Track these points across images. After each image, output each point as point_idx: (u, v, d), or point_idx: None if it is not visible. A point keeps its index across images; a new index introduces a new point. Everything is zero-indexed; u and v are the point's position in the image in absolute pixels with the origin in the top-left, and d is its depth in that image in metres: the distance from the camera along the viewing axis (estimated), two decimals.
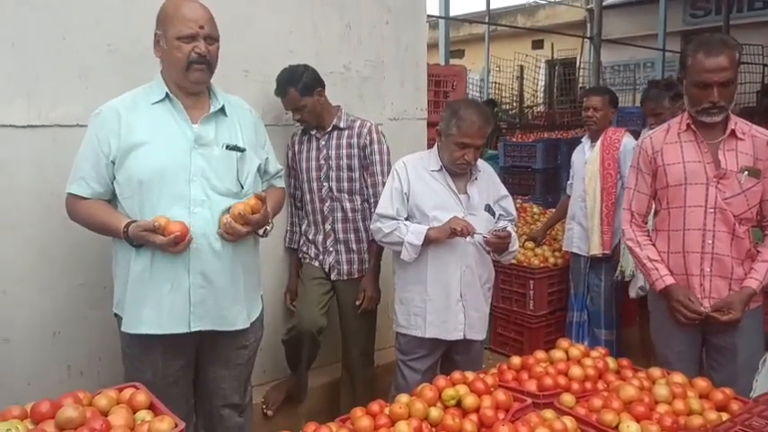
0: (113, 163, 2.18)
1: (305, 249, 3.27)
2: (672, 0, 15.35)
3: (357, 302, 3.17)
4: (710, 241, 2.49)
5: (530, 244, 4.52)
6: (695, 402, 2.00)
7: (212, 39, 2.20)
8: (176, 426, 1.63)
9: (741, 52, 2.48)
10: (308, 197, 3.20)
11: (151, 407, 1.77)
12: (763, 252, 2.51)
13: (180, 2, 2.18)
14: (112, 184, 2.22)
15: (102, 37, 2.70)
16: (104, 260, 2.78)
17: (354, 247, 3.18)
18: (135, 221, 2.13)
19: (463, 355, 2.87)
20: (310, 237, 3.24)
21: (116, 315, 2.33)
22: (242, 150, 2.28)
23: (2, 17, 2.49)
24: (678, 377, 2.17)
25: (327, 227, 3.19)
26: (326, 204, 3.16)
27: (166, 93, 2.21)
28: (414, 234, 2.73)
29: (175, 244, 2.07)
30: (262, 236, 2.37)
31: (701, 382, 2.13)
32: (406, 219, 2.81)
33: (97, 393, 1.79)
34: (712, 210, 2.48)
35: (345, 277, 3.20)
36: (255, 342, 2.47)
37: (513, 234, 2.87)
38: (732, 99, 2.46)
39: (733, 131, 2.49)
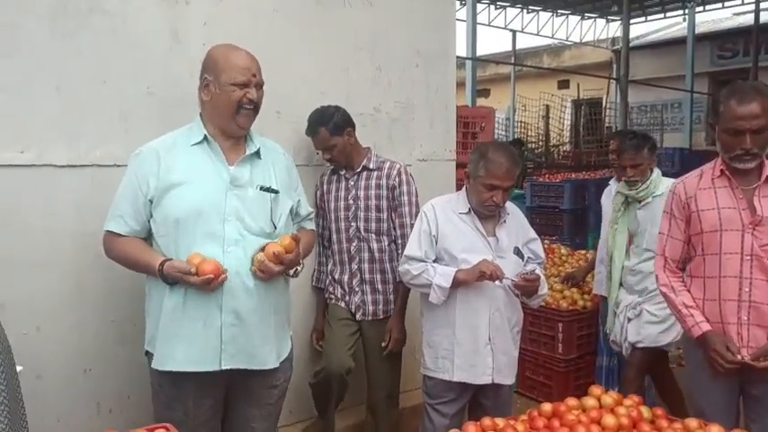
0: (151, 202, 2.24)
1: (331, 290, 3.28)
2: (699, 41, 15.37)
3: (383, 344, 3.15)
4: (747, 289, 2.43)
5: (558, 286, 4.47)
6: None
7: (260, 85, 2.30)
8: None
9: None
10: (335, 237, 3.23)
11: None
12: None
13: (229, 50, 2.28)
14: (149, 222, 2.27)
15: (142, 81, 2.78)
16: (135, 298, 2.82)
17: (380, 287, 3.18)
18: (170, 260, 2.17)
19: (492, 400, 2.82)
20: (336, 276, 3.25)
21: (147, 353, 2.35)
22: (275, 192, 2.33)
23: (48, 62, 2.59)
24: (716, 429, 2.10)
25: (354, 266, 3.20)
26: (354, 244, 3.18)
27: (205, 135, 2.28)
28: (442, 276, 2.72)
29: (208, 283, 2.10)
30: (292, 276, 2.39)
31: None
32: (435, 261, 2.81)
33: None
34: (749, 257, 2.44)
35: (370, 318, 3.19)
36: (285, 382, 2.47)
37: (542, 277, 2.85)
38: (765, 146, 2.43)
39: None
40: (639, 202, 3.59)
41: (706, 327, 2.49)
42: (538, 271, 2.84)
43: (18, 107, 2.54)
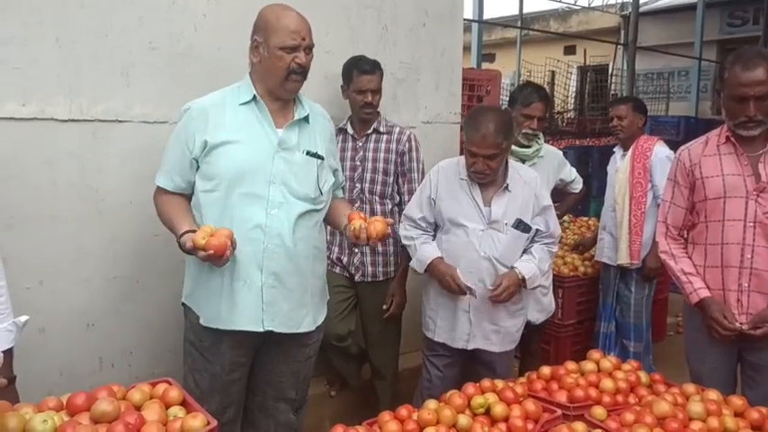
0: (196, 160, 2.22)
1: (327, 254, 3.26)
2: (709, 8, 15.11)
3: (384, 307, 3.17)
4: (749, 256, 2.44)
5: (560, 252, 4.47)
6: (730, 421, 1.96)
7: (310, 49, 2.25)
8: (209, 423, 1.64)
9: None
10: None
11: (183, 403, 1.79)
12: None
13: (281, 11, 2.21)
14: (194, 179, 2.25)
15: (144, 35, 2.74)
16: (139, 255, 2.83)
17: (381, 249, 3.18)
18: (192, 231, 2.11)
19: (487, 365, 2.80)
20: (336, 237, 3.25)
21: (184, 305, 2.36)
22: (321, 158, 2.32)
23: (48, 13, 2.54)
24: (713, 394, 2.13)
25: None
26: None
27: (254, 95, 2.25)
28: (419, 262, 2.77)
29: (216, 258, 2.06)
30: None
31: (737, 400, 2.09)
32: (435, 226, 2.81)
33: (131, 387, 1.81)
34: (752, 224, 2.43)
35: (370, 279, 3.20)
36: (317, 342, 2.50)
37: (530, 272, 2.70)
38: None
39: None
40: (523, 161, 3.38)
41: (704, 293, 2.50)
42: (521, 267, 2.71)
43: (19, 60, 2.50)
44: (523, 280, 2.69)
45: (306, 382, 2.52)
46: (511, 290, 2.67)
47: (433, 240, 2.82)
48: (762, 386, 2.48)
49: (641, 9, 13.45)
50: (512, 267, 2.70)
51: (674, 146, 3.61)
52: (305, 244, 2.28)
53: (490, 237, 2.69)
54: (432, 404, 2.01)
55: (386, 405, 2.24)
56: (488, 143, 2.59)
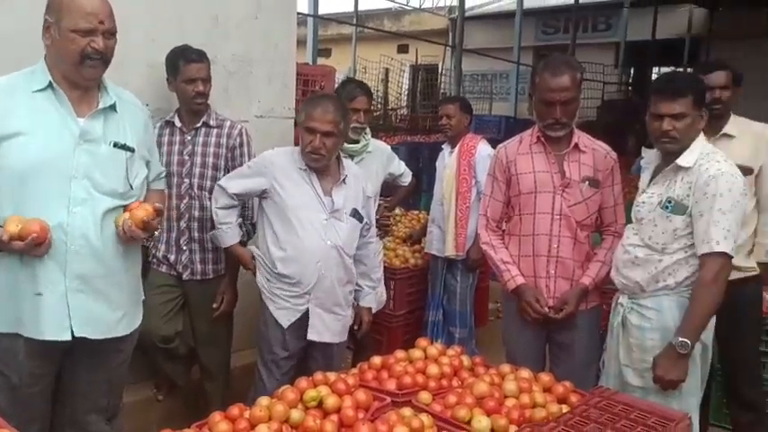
0: None
1: (153, 251, 3.13)
2: (526, 16, 16.34)
3: (214, 305, 3.10)
4: (556, 245, 2.70)
5: (391, 245, 4.63)
6: (539, 396, 2.15)
7: (111, 33, 2.06)
8: None
9: (583, 72, 2.71)
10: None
11: None
12: (599, 253, 2.77)
13: None
14: None
15: None
16: None
17: (210, 246, 3.09)
18: None
19: (321, 360, 2.84)
20: (162, 234, 3.10)
21: None
22: (131, 150, 2.17)
23: None
24: (525, 372, 2.32)
25: (182, 224, 3.08)
26: (184, 201, 3.06)
27: (50, 81, 2.04)
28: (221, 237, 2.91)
29: (36, 245, 1.90)
30: (148, 243, 2.25)
31: (545, 377, 2.30)
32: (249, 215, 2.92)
33: None
34: (558, 216, 2.69)
35: (199, 277, 3.11)
36: (132, 345, 2.36)
37: (370, 294, 3.03)
38: (574, 116, 2.68)
39: (576, 145, 2.71)
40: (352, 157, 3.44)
41: (520, 280, 2.72)
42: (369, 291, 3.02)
43: None
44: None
45: (120, 388, 2.40)
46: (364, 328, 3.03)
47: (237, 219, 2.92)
48: (566, 362, 2.77)
49: (467, 13, 14.25)
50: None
51: (495, 144, 3.86)
52: (115, 242, 2.13)
53: (333, 226, 2.73)
54: (264, 401, 1.99)
55: (217, 406, 2.18)
56: (327, 119, 2.65)
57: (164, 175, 2.52)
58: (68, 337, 2.07)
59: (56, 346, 2.10)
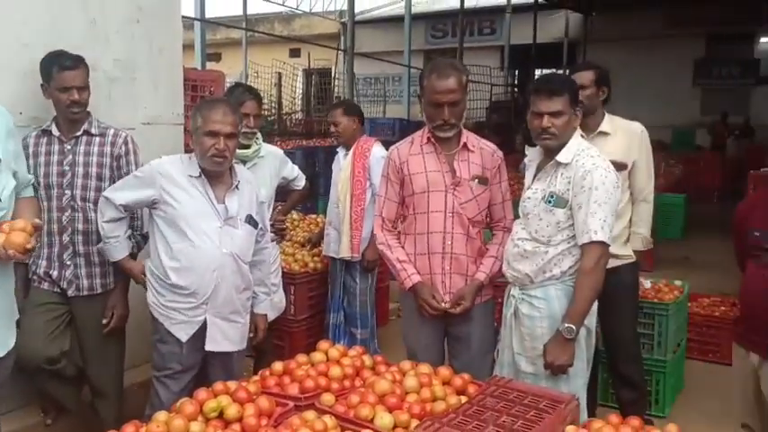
0: None
1: (34, 268, 2.95)
2: (416, 20, 16.72)
3: (104, 321, 2.96)
4: (450, 242, 2.78)
5: (289, 250, 4.60)
6: (439, 389, 2.21)
7: None
8: None
9: (468, 75, 2.82)
10: (44, 205, 2.89)
11: None
12: (491, 249, 2.88)
13: None
14: None
15: None
16: None
17: (97, 260, 2.96)
18: None
19: (220, 368, 2.77)
20: (43, 250, 2.93)
21: None
22: None
23: None
24: (424, 368, 2.38)
25: (65, 238, 2.92)
26: (66, 214, 2.91)
27: None
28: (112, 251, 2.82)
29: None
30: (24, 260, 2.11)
31: (444, 371, 2.36)
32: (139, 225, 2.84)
33: None
34: (451, 214, 2.78)
35: (86, 293, 2.96)
36: (6, 370, 2.23)
37: (265, 301, 2.99)
38: (461, 117, 2.78)
39: (465, 144, 2.81)
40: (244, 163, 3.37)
41: (416, 278, 2.79)
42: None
43: None
44: None
45: None
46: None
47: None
48: (463, 355, 2.86)
49: (358, 17, 14.39)
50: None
51: (390, 146, 3.94)
52: None
53: (228, 233, 2.68)
54: (161, 416, 1.94)
55: (110, 427, 2.08)
56: (228, 121, 2.62)
57: (32, 182, 2.41)
58: None
59: None
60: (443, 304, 2.75)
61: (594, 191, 2.46)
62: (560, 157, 2.55)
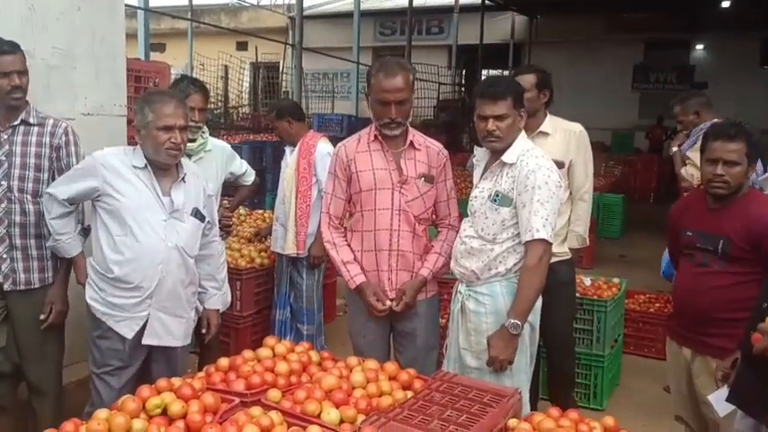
0: None
1: None
2: (365, 17, 16.71)
3: (42, 316, 2.87)
4: (396, 239, 2.81)
5: (236, 245, 4.56)
6: (386, 384, 2.24)
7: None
8: None
9: (415, 73, 2.85)
10: None
11: None
12: (435, 246, 2.93)
13: None
14: None
15: None
16: None
17: (35, 253, 2.87)
18: None
19: (163, 364, 2.74)
20: None
21: None
22: None
23: None
24: (372, 363, 2.40)
25: (1, 231, 2.83)
26: (2, 206, 2.81)
27: None
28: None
29: None
30: None
31: (390, 366, 2.39)
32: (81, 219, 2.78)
33: None
34: (397, 211, 2.81)
35: (22, 287, 2.87)
36: None
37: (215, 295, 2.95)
38: (408, 115, 2.81)
39: (412, 143, 2.84)
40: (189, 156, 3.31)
41: (360, 279, 2.81)
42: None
43: None
44: None
45: None
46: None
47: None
48: (409, 350, 2.90)
49: (306, 12, 14.29)
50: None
51: (338, 141, 3.94)
52: None
53: (173, 226, 2.64)
54: (102, 413, 1.89)
55: (49, 424, 2.02)
56: (180, 113, 2.60)
57: None
58: None
59: None
60: (387, 302, 2.77)
61: (537, 190, 2.52)
62: (506, 158, 2.61)
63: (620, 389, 4.29)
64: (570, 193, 3.38)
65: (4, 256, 2.83)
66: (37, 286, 2.89)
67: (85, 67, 3.41)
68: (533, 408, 3.02)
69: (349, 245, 2.88)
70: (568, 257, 3.39)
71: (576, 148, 3.37)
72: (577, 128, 3.43)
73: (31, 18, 3.13)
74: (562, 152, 3.28)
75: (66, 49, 3.30)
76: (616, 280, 4.47)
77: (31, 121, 2.85)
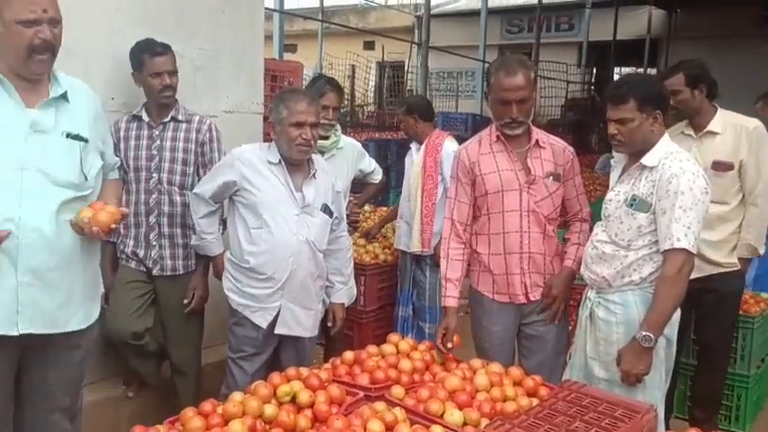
0: None
1: (122, 247, 3.09)
2: (491, 15, 16.48)
3: (185, 301, 3.07)
4: (527, 241, 2.73)
5: (361, 241, 4.64)
6: (510, 389, 2.19)
7: (56, 22, 2.01)
8: None
9: (537, 71, 2.76)
10: (132, 187, 3.03)
11: None
12: (571, 237, 2.85)
13: None
14: None
15: None
16: None
17: (180, 242, 3.07)
18: None
19: (292, 353, 2.85)
20: (130, 230, 3.07)
21: None
22: (85, 140, 2.12)
23: None
24: (496, 367, 2.36)
25: (152, 220, 3.05)
26: (153, 196, 3.03)
27: None
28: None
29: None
30: (105, 237, 2.20)
31: (515, 371, 2.34)
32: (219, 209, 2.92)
33: None
34: (526, 212, 2.73)
35: (169, 273, 3.07)
36: (90, 342, 2.31)
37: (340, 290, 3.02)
38: (529, 114, 2.72)
39: (537, 141, 2.76)
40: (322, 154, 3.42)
41: (450, 303, 2.77)
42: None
43: None
44: None
45: (80, 386, 2.35)
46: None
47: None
48: (536, 355, 2.81)
49: (433, 11, 14.30)
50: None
51: (463, 141, 3.91)
52: (71, 234, 2.09)
53: (304, 221, 2.73)
54: (237, 396, 1.99)
55: (188, 403, 2.16)
56: (312, 111, 2.69)
57: (117, 164, 2.51)
58: (16, 333, 2.02)
59: (8, 343, 2.05)
60: (449, 345, 2.58)
61: (680, 195, 2.36)
62: (646, 161, 2.46)
63: (764, 412, 3.95)
64: (743, 197, 3.13)
65: (154, 243, 3.05)
66: (181, 272, 3.09)
67: (227, 67, 3.60)
68: (666, 426, 2.84)
69: (461, 260, 2.83)
70: (736, 268, 3.14)
71: (749, 147, 3.08)
72: (752, 123, 3.13)
73: (182, 20, 3.35)
74: (731, 152, 3.04)
75: (211, 50, 3.50)
76: (765, 295, 4.10)
77: (180, 117, 3.04)
